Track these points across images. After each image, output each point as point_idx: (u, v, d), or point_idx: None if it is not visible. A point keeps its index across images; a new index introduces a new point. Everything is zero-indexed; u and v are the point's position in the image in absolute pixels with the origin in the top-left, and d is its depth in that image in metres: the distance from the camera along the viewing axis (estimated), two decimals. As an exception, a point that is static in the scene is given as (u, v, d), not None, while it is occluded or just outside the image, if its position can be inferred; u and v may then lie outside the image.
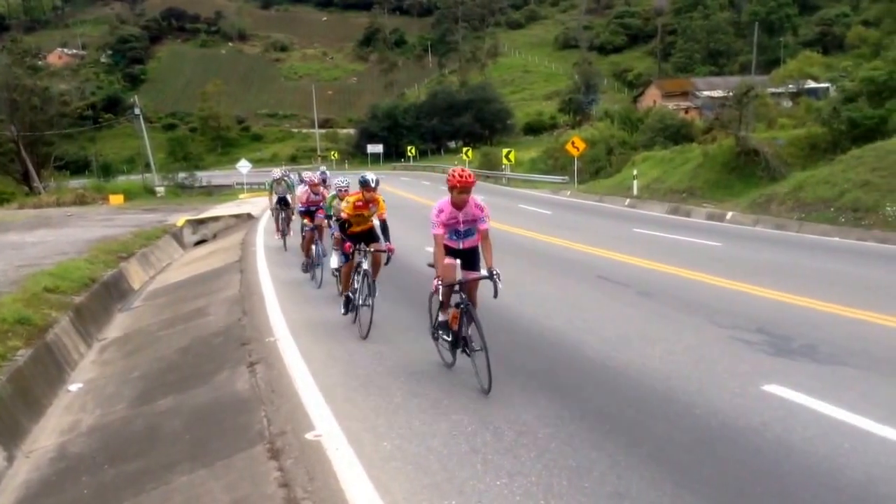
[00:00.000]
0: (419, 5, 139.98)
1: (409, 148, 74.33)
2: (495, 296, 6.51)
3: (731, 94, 33.23)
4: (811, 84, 45.50)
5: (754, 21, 79.77)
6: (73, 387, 8.68)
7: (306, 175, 16.44)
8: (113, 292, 13.60)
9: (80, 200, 38.01)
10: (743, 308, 9.56)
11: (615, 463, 5.06)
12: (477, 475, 4.97)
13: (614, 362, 7.39)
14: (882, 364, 7.03)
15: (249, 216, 26.70)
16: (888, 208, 17.07)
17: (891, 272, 12.45)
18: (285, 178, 18.21)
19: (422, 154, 77.90)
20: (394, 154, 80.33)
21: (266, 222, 23.72)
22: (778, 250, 15.10)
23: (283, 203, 17.64)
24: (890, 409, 5.85)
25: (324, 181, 15.46)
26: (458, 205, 6.67)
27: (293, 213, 16.98)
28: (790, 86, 44.23)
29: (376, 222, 9.62)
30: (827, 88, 41.76)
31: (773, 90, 41.50)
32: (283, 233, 17.61)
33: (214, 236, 23.78)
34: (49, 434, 7.31)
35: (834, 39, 78.92)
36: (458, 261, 6.98)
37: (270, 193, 17.81)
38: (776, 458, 5.08)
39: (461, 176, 6.54)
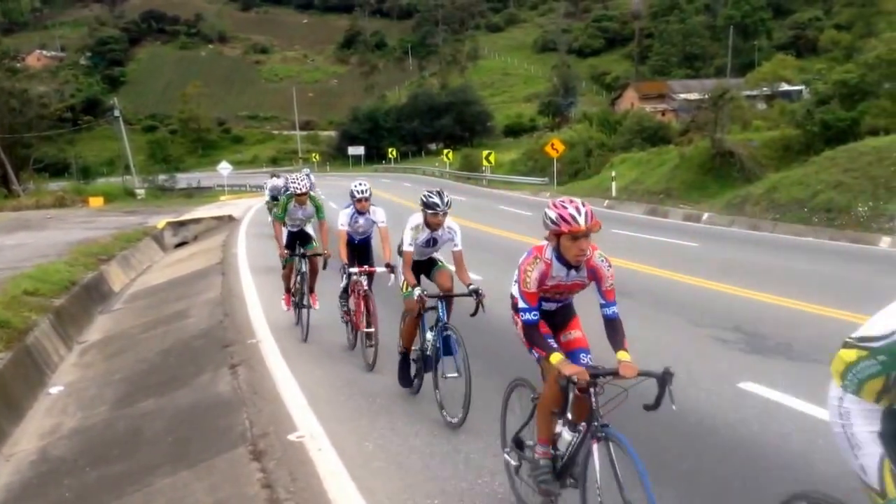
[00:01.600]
0: (399, 8, 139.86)
1: (389, 150, 74.34)
2: None
3: (706, 96, 33.53)
4: (785, 87, 45.94)
5: (729, 25, 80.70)
6: (54, 389, 8.64)
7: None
8: (93, 295, 13.53)
9: (60, 203, 37.79)
10: (719, 307, 9.72)
11: (594, 460, 5.13)
12: (458, 474, 5.03)
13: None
14: (854, 361, 7.18)
15: (231, 218, 26.57)
16: (860, 208, 17.37)
17: (863, 271, 12.67)
18: (315, 194, 9.99)
19: (403, 156, 77.86)
20: (375, 156, 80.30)
21: (249, 228, 23.55)
22: (753, 250, 15.32)
23: (300, 241, 9.84)
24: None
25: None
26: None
27: (323, 266, 9.25)
28: (764, 88, 44.65)
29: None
30: (800, 91, 42.26)
31: (747, 93, 41.86)
32: (301, 303, 9.25)
33: (195, 238, 23.65)
34: (30, 437, 7.28)
35: (807, 43, 79.82)
36: None
37: (279, 226, 9.69)
38: (752, 454, 5.19)
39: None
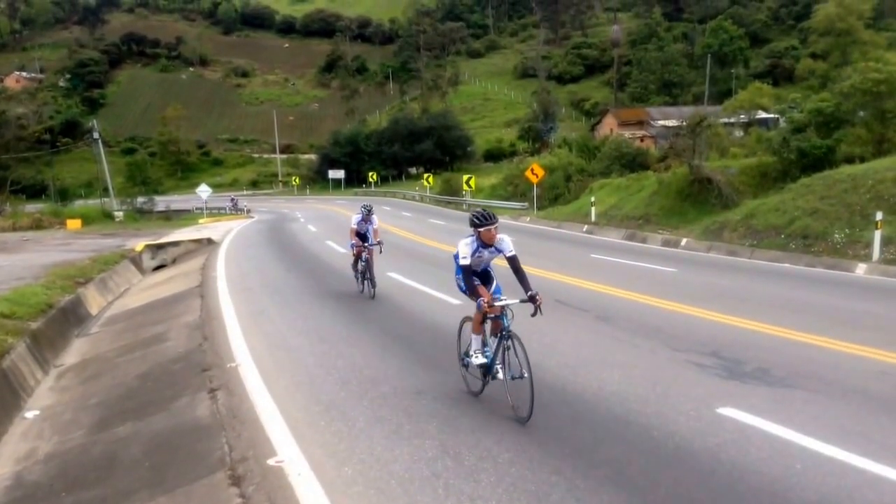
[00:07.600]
0: (381, 33, 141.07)
1: (370, 174, 74.48)
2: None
3: (684, 123, 33.98)
4: (762, 115, 46.74)
5: (707, 53, 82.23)
6: (30, 414, 8.52)
7: None
8: (70, 318, 13.37)
9: (37, 225, 37.46)
10: (697, 332, 9.79)
11: (574, 486, 5.15)
12: (438, 499, 5.02)
13: (573, 386, 7.52)
14: (831, 387, 7.27)
15: (210, 241, 26.43)
16: (836, 235, 17.61)
17: (839, 297, 12.82)
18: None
19: (383, 180, 78.05)
20: (355, 179, 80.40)
21: (229, 251, 23.39)
22: (731, 276, 15.47)
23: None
24: (838, 429, 6.06)
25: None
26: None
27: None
28: (741, 116, 45.38)
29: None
30: (777, 119, 42.98)
31: (725, 120, 42.53)
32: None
33: (174, 261, 23.48)
34: (5, 462, 7.16)
35: (783, 71, 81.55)
36: None
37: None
38: (731, 479, 5.23)
39: None
